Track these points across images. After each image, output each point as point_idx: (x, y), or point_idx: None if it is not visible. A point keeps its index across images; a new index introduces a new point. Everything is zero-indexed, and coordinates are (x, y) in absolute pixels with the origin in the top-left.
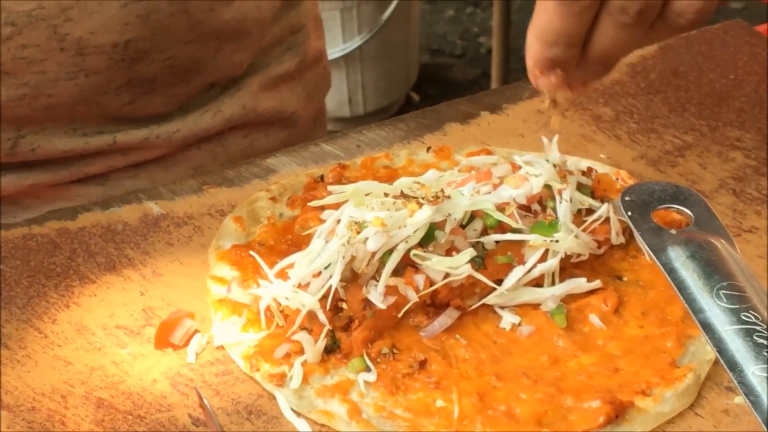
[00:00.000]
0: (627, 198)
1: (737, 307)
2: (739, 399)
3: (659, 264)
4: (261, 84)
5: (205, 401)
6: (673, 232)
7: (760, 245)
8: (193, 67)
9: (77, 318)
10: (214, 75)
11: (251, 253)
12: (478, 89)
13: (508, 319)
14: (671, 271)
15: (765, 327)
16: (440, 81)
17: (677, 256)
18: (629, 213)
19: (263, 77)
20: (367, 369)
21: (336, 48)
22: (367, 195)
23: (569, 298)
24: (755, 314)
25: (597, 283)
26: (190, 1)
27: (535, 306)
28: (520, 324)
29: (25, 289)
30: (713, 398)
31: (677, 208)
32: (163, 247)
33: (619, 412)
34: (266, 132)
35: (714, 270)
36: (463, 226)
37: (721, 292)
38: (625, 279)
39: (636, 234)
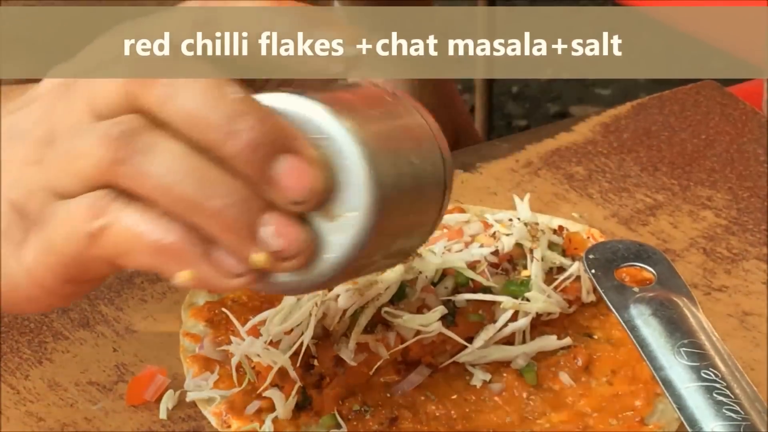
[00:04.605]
0: (591, 256)
1: (698, 364)
2: None
3: (621, 321)
4: None
5: None
6: (636, 290)
7: (729, 304)
8: None
9: (50, 374)
10: None
11: (224, 310)
12: None
13: (479, 376)
14: (633, 329)
15: (725, 385)
16: None
17: (639, 314)
18: (593, 271)
19: None
20: (338, 426)
21: None
22: None
23: (540, 356)
24: (715, 372)
25: (567, 341)
26: None
27: (506, 363)
28: (490, 381)
29: None
30: None
31: (640, 266)
32: (137, 303)
33: None
34: None
35: (675, 328)
36: (434, 284)
37: (682, 349)
38: (595, 337)
39: (600, 291)
